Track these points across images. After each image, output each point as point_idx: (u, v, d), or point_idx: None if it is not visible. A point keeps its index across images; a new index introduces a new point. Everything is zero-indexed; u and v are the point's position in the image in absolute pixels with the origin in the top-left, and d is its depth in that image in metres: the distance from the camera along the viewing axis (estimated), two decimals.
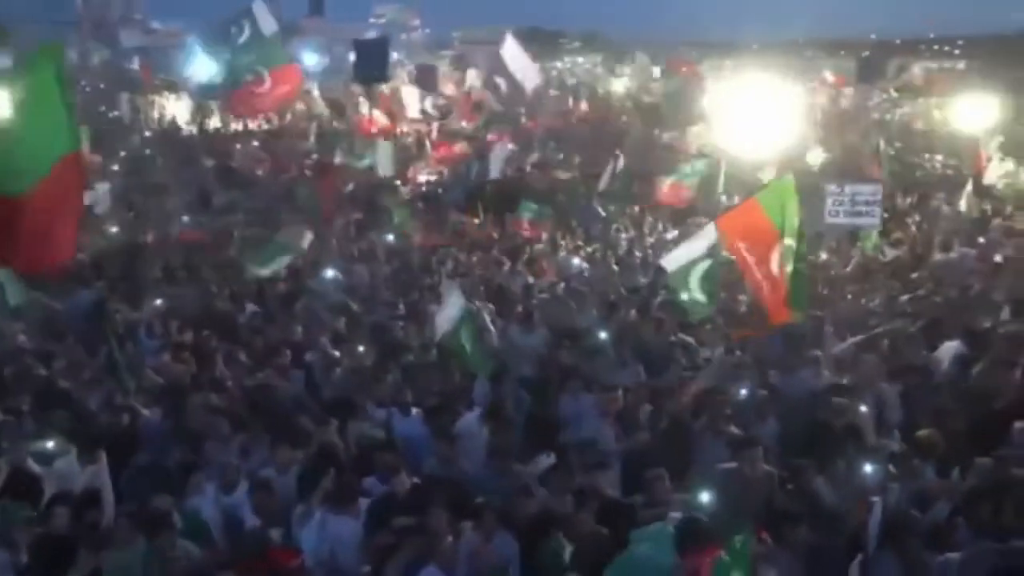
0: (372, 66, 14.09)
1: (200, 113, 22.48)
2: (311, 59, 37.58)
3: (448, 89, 21.46)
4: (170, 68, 25.80)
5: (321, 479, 4.97)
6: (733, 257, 7.57)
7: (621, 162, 11.47)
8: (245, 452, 5.76)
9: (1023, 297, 8.73)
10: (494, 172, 14.00)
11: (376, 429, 6.02)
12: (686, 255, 7.91)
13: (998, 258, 10.55)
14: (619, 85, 22.40)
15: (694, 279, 7.73)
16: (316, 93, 22.25)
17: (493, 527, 4.59)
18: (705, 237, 7.87)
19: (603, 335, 7.42)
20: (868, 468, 4.52)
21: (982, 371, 6.68)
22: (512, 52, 14.13)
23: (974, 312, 8.08)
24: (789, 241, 7.14)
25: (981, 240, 11.01)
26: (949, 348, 7.20)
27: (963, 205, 12.36)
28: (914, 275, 10.35)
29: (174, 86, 22.99)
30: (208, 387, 6.61)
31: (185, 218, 12.62)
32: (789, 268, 7.12)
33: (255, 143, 18.58)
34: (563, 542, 4.38)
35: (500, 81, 15.22)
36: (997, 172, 12.80)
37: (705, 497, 4.33)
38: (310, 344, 7.82)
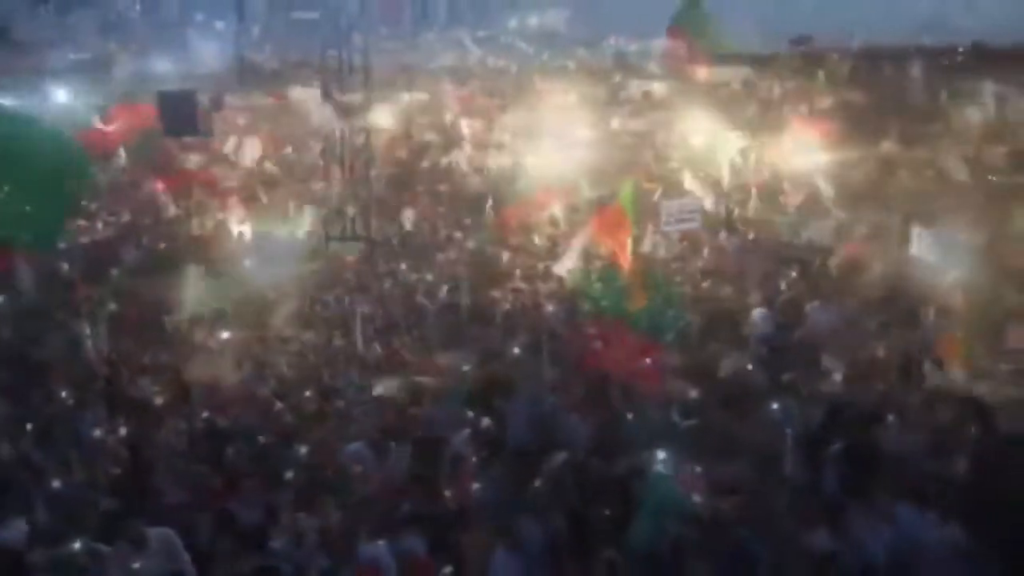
0: (181, 120, 13.75)
1: None
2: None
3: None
4: None
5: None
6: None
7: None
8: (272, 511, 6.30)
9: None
10: None
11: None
12: (571, 260, 10.09)
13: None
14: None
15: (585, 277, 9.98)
16: None
17: None
18: (580, 241, 10.18)
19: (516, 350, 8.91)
20: (776, 406, 6.62)
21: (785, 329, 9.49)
22: None
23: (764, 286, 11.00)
24: (636, 231, 9.58)
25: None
26: (757, 314, 9.93)
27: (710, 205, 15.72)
28: (699, 264, 13.34)
29: None
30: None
31: None
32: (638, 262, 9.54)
33: None
34: None
35: None
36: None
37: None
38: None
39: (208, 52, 23.95)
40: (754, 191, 15.22)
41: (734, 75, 18.98)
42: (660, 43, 20.83)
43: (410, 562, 5.53)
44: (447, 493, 6.26)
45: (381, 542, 5.58)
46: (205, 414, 7.88)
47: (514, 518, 5.62)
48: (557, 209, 13.95)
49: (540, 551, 5.54)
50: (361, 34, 9.37)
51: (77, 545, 5.63)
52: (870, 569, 5.31)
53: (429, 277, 11.48)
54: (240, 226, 13.29)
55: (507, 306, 10.45)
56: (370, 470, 6.87)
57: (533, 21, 27.95)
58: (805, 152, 14.74)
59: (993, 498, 5.45)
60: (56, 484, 6.92)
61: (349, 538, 5.76)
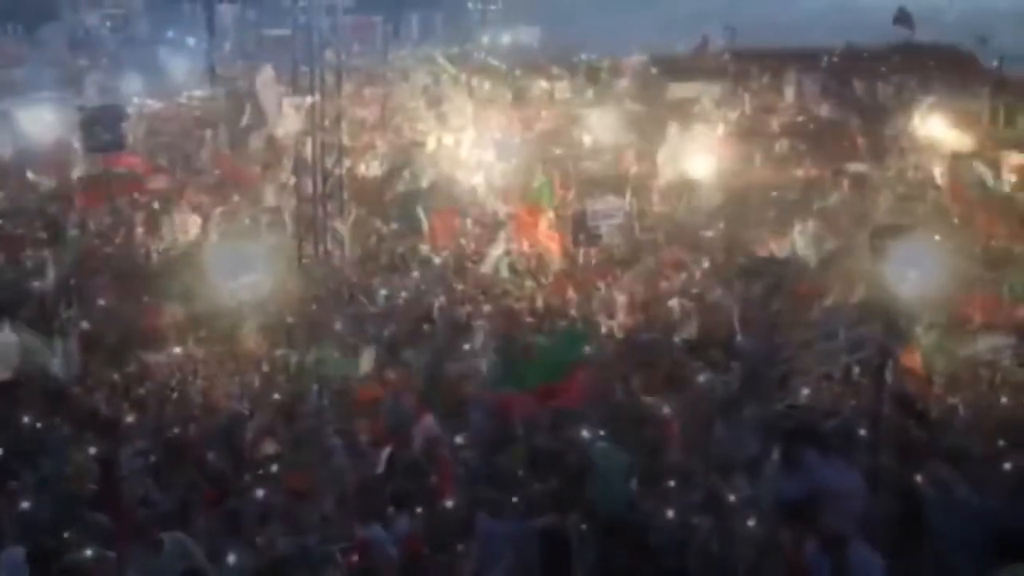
0: (105, 135, 13.63)
1: None
2: None
3: None
4: None
5: None
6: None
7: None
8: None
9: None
10: None
11: None
12: (495, 255, 11.75)
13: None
14: None
15: (503, 267, 11.72)
16: None
17: None
18: (502, 238, 12.04)
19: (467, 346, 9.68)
20: (702, 378, 7.77)
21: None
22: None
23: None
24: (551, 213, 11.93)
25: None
26: (674, 301, 11.21)
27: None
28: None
29: None
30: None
31: None
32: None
33: None
34: None
35: None
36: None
37: None
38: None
39: (179, 68, 23.28)
40: (656, 192, 16.51)
41: (704, 90, 20.39)
42: (630, 60, 21.90)
43: (405, 541, 6.23)
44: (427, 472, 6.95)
45: (377, 526, 6.25)
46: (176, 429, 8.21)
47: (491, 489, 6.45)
48: (487, 212, 14.85)
49: (518, 516, 6.38)
50: (333, 50, 9.44)
51: (88, 552, 5.97)
52: (784, 508, 6.43)
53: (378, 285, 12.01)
54: (208, 238, 13.26)
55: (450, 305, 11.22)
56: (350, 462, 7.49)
57: (506, 39, 28.34)
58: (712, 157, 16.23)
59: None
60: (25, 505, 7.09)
61: (345, 523, 6.41)
